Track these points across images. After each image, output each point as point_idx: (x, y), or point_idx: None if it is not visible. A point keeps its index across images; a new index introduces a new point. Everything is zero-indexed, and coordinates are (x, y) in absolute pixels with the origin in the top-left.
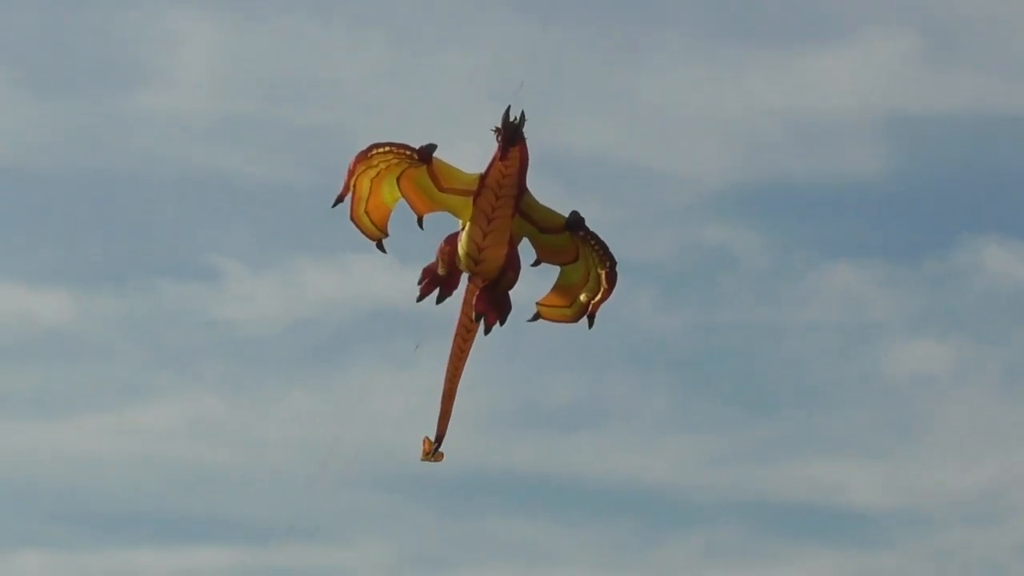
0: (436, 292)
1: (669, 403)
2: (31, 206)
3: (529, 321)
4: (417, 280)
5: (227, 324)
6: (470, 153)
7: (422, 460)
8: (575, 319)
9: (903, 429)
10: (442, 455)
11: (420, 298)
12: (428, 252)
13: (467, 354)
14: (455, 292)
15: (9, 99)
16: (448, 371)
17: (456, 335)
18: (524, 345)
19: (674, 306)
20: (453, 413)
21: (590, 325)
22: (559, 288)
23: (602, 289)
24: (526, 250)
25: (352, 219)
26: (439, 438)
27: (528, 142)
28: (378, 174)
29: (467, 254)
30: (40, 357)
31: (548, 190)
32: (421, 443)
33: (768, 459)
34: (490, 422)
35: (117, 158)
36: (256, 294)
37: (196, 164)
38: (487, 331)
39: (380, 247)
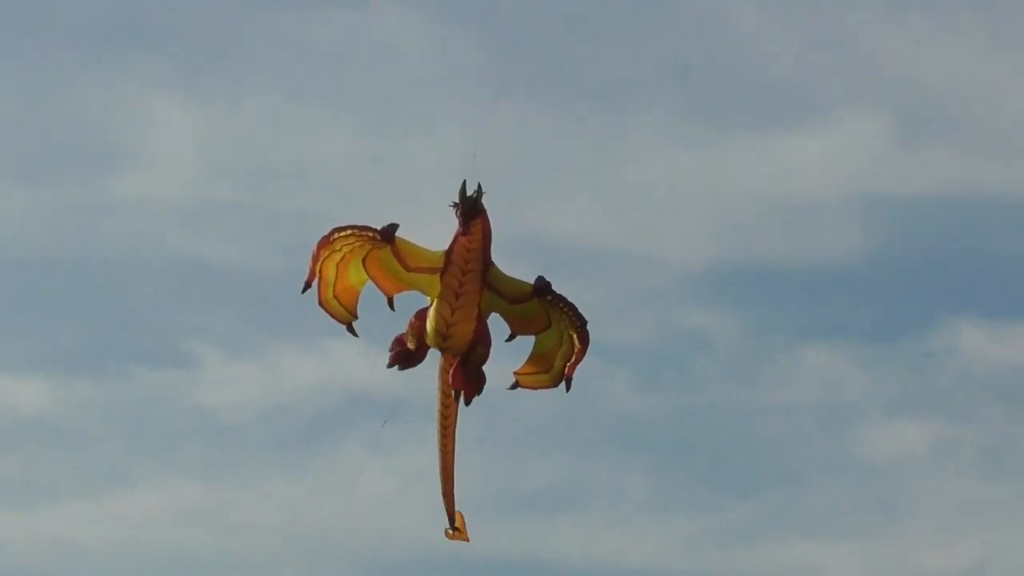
0: (402, 360)
1: (648, 485)
2: (8, 293)
3: (509, 390)
4: (388, 347)
5: (205, 410)
6: (447, 235)
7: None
8: (554, 384)
9: (882, 510)
10: (459, 531)
11: (390, 364)
12: (396, 329)
13: (453, 428)
14: (424, 362)
15: None
16: (439, 448)
17: (438, 412)
18: (501, 428)
19: (652, 388)
20: (448, 492)
21: (567, 389)
22: (535, 356)
23: (576, 350)
24: (500, 327)
25: (321, 304)
26: (449, 516)
27: (502, 223)
28: (343, 257)
29: (435, 330)
30: (19, 445)
31: (525, 273)
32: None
33: (748, 541)
34: (468, 507)
35: (93, 244)
36: (234, 380)
37: (173, 250)
38: (467, 403)
39: (351, 330)
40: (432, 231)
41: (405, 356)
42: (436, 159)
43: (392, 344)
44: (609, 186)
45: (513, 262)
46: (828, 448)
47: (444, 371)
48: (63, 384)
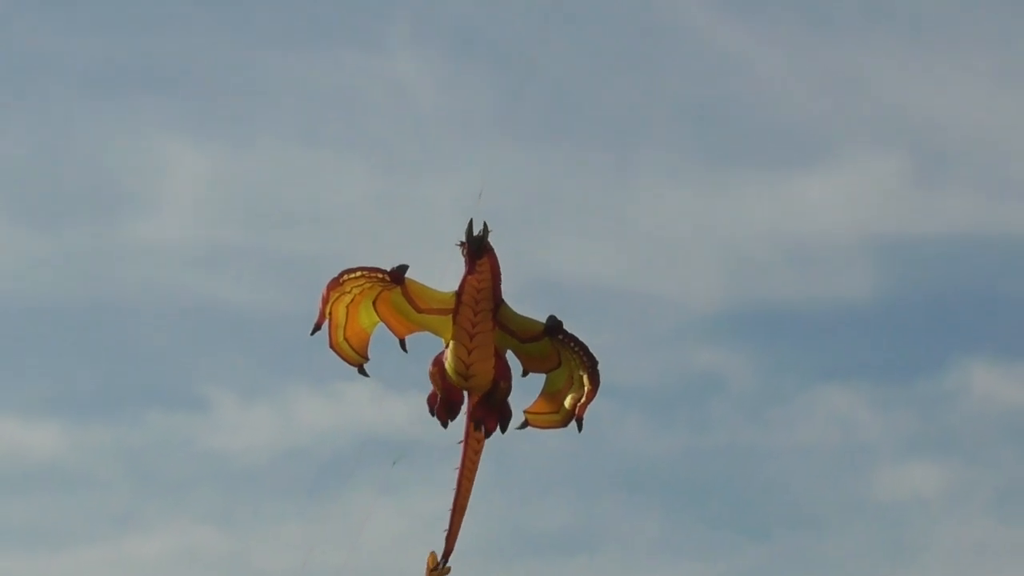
0: (450, 412)
1: (661, 527)
2: (21, 337)
3: (518, 429)
4: (429, 411)
5: (219, 454)
6: (459, 276)
7: None
8: (564, 424)
9: (897, 552)
10: (449, 569)
11: (444, 425)
12: (416, 374)
13: (476, 466)
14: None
15: None
16: (459, 485)
17: (465, 447)
18: (512, 470)
19: (664, 430)
20: (456, 533)
21: (579, 429)
22: (546, 395)
23: (586, 391)
24: (514, 361)
25: (332, 347)
26: (446, 555)
27: (514, 264)
28: (353, 300)
29: (456, 372)
30: (32, 489)
31: (536, 313)
32: (425, 562)
33: None
34: (478, 550)
35: (105, 288)
36: (247, 423)
37: (186, 293)
38: (487, 435)
39: (362, 372)
40: (444, 272)
41: (445, 405)
42: (448, 200)
43: (428, 405)
44: (620, 226)
45: (524, 303)
46: (842, 490)
47: (469, 406)
48: (76, 428)
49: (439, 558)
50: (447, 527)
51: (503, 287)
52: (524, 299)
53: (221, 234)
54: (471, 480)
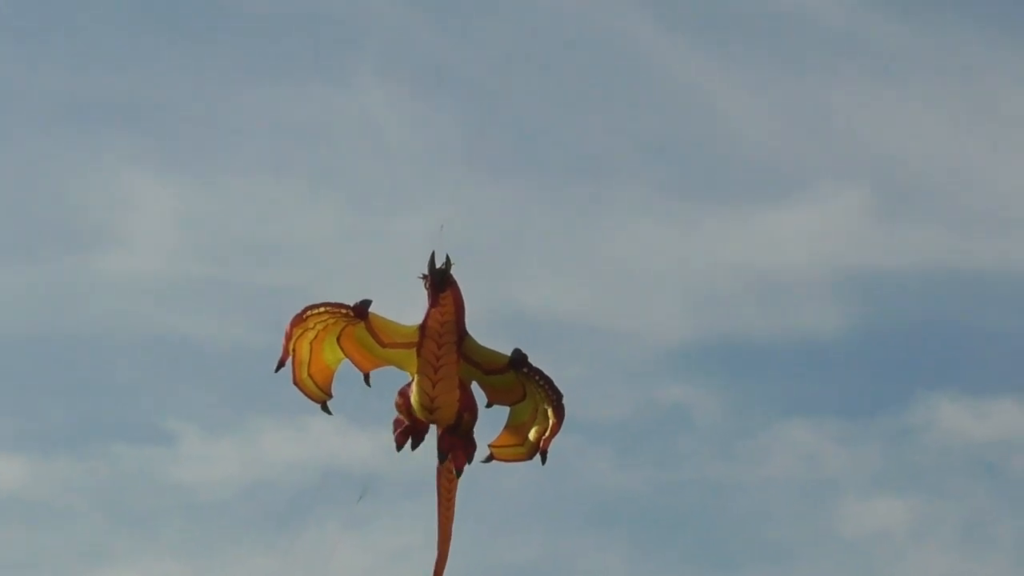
0: (410, 440)
1: (629, 561)
2: None
3: (483, 462)
4: (392, 431)
5: (185, 487)
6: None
7: None
8: (529, 457)
9: None
10: None
11: (398, 448)
12: (380, 408)
13: (454, 498)
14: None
15: None
16: (439, 517)
17: (438, 479)
18: (480, 504)
19: (632, 464)
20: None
21: (543, 461)
22: (510, 428)
23: (551, 424)
24: (478, 393)
25: (295, 383)
26: None
27: (482, 297)
28: (316, 336)
29: (420, 405)
30: None
31: (504, 347)
32: None
33: None
34: None
35: (72, 322)
36: (213, 457)
37: (154, 326)
38: (458, 473)
39: (325, 409)
40: (413, 306)
41: (411, 433)
42: (416, 234)
43: (393, 427)
44: (589, 261)
45: (492, 336)
46: (809, 524)
47: (438, 439)
48: (43, 461)
49: None
50: (436, 558)
51: (468, 319)
52: (493, 332)
53: (189, 268)
54: (449, 513)
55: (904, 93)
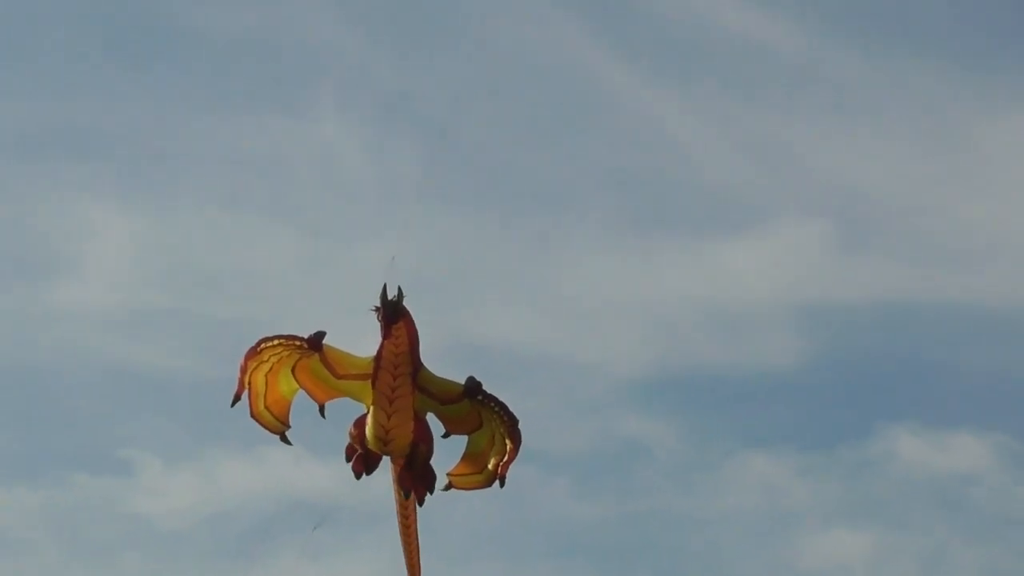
0: (365, 466)
1: None
2: None
3: (443, 491)
4: (346, 460)
5: (143, 518)
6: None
7: None
8: (488, 484)
9: None
10: None
11: (357, 477)
12: (338, 437)
13: (414, 529)
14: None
15: None
16: (404, 551)
17: (397, 515)
18: (439, 534)
19: (591, 495)
20: None
21: (501, 485)
22: (468, 456)
23: (508, 449)
24: (435, 423)
25: (252, 416)
26: None
27: (438, 329)
28: (272, 368)
29: (375, 437)
30: None
31: (463, 378)
32: None
33: None
34: None
35: (30, 351)
36: (171, 488)
37: (109, 357)
38: (420, 503)
39: (284, 439)
40: (370, 336)
41: (364, 461)
42: (373, 265)
43: (346, 455)
44: (546, 293)
45: (450, 368)
46: (769, 556)
47: (394, 472)
48: (0, 491)
49: None
50: None
51: (426, 351)
52: (450, 364)
53: (145, 298)
54: (411, 540)
55: (864, 126)
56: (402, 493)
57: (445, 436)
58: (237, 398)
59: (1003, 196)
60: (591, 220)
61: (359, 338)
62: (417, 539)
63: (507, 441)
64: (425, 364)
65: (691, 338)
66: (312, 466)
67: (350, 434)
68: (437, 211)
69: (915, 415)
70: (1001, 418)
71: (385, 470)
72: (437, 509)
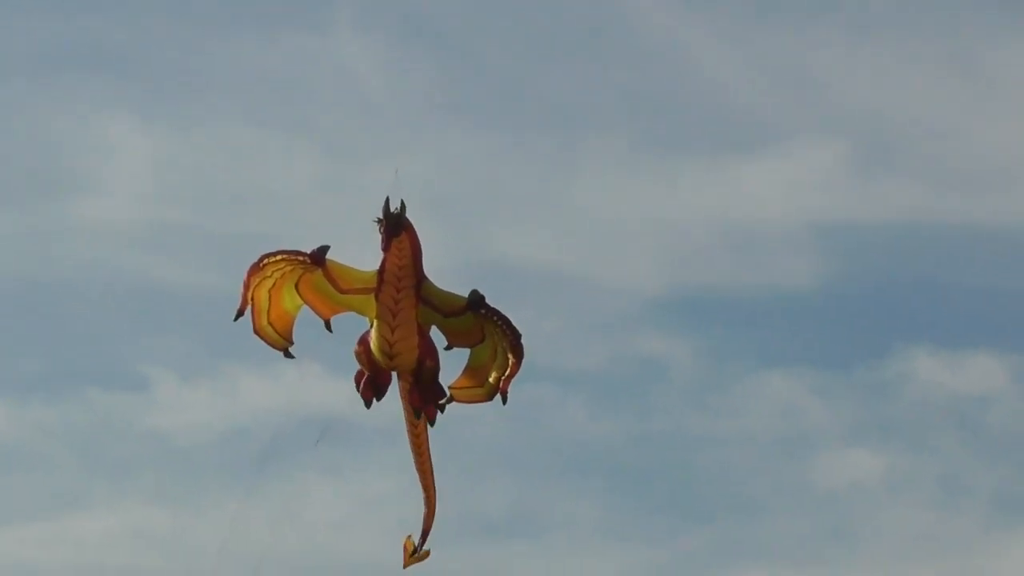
0: (374, 390)
1: (603, 512)
2: None
3: (444, 403)
4: (356, 389)
5: (160, 433)
6: None
7: (405, 566)
8: (489, 398)
9: (838, 538)
10: (428, 552)
11: (368, 405)
12: (350, 355)
13: (426, 446)
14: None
15: None
16: (418, 469)
17: (408, 433)
18: (454, 453)
19: (607, 415)
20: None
21: (503, 402)
22: (470, 370)
23: (510, 364)
24: (438, 336)
25: (256, 332)
26: (425, 534)
27: (456, 248)
28: (275, 284)
29: (380, 351)
30: None
31: None
32: (402, 547)
33: (703, 568)
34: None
35: (48, 267)
36: (188, 403)
37: (128, 273)
38: (431, 423)
39: (288, 355)
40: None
41: (374, 385)
42: (389, 184)
43: (355, 383)
44: (564, 212)
45: (466, 286)
46: (784, 476)
47: (403, 391)
48: (17, 407)
49: (416, 541)
50: (425, 509)
51: (443, 269)
52: (467, 282)
53: (165, 214)
54: (424, 460)
55: (884, 48)
56: (413, 413)
57: (448, 348)
58: (240, 313)
59: (1022, 119)
60: (608, 140)
61: (375, 254)
62: (430, 458)
63: (509, 355)
64: (438, 281)
65: (708, 258)
66: (333, 383)
67: (356, 353)
68: (455, 129)
69: (933, 336)
70: (1018, 339)
71: (396, 394)
72: (452, 427)
